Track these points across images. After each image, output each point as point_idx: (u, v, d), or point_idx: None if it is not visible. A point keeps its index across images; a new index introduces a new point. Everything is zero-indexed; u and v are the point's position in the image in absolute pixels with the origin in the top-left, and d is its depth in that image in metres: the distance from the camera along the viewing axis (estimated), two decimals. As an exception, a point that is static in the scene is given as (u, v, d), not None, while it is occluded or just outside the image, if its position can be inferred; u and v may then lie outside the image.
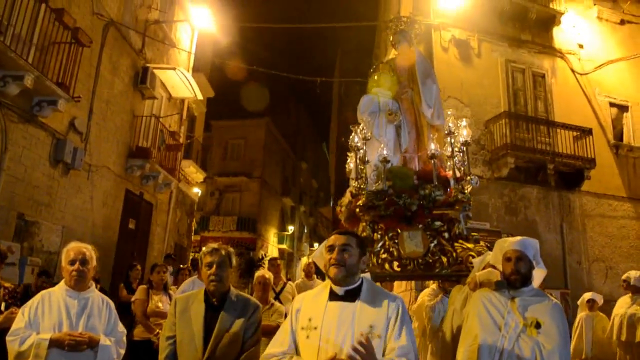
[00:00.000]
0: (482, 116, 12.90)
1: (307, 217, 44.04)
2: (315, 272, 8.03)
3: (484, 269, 4.03)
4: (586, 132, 13.03)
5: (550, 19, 14.20)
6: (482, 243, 5.00)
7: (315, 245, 41.85)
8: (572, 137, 12.92)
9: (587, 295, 8.11)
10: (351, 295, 2.49)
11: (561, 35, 14.53)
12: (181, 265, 10.58)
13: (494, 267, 3.68)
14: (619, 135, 14.41)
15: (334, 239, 2.57)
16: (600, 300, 8.04)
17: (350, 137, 5.38)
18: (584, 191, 13.21)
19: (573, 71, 14.29)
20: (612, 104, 14.54)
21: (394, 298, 2.53)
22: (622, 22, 15.39)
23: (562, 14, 14.24)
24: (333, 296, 2.51)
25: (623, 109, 14.71)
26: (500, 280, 3.23)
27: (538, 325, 2.86)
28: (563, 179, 12.89)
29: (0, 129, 7.83)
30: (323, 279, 2.84)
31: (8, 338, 3.07)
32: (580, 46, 14.63)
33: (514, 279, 3.06)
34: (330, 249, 2.54)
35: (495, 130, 12.68)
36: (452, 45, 13.25)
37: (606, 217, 13.36)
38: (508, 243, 3.22)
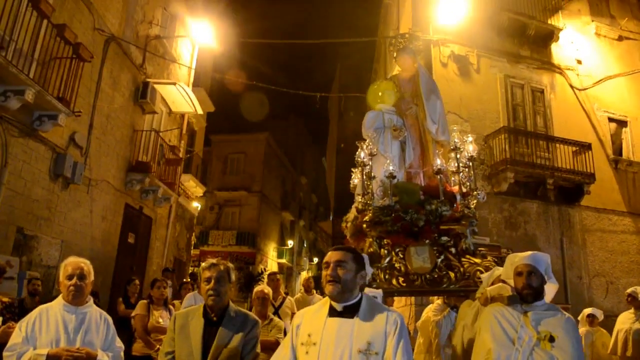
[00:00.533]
0: (481, 131, 12.93)
1: (307, 232, 43.95)
2: (314, 287, 8.01)
3: (493, 283, 4.02)
4: (585, 147, 13.07)
5: (549, 35, 14.29)
6: (489, 258, 5.01)
7: (315, 259, 41.73)
8: (571, 152, 12.95)
9: (587, 311, 8.06)
10: (350, 311, 2.49)
11: (560, 51, 14.63)
12: (184, 280, 10.54)
13: (504, 282, 3.67)
14: (618, 150, 14.45)
15: (329, 255, 2.58)
16: (600, 315, 7.99)
17: (357, 153, 5.41)
18: (583, 206, 13.21)
19: (572, 87, 14.36)
20: (610, 119, 14.60)
21: (392, 314, 2.52)
22: (620, 38, 15.52)
23: (561, 30, 14.35)
24: (332, 312, 2.52)
25: (622, 124, 14.77)
26: (513, 294, 3.21)
27: (552, 339, 2.84)
28: (563, 193, 12.89)
29: (1, 143, 7.84)
30: (323, 294, 2.84)
31: (5, 353, 3.05)
32: (579, 62, 14.73)
33: (527, 294, 3.04)
34: (326, 265, 2.54)
35: (495, 145, 12.71)
36: (451, 60, 13.34)
37: (606, 232, 13.34)
38: (519, 258, 3.21)
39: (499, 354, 2.89)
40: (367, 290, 3.31)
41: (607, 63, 15.06)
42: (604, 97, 14.62)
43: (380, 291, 3.32)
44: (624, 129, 14.77)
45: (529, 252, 3.26)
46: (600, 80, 14.62)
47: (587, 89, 14.46)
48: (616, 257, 13.20)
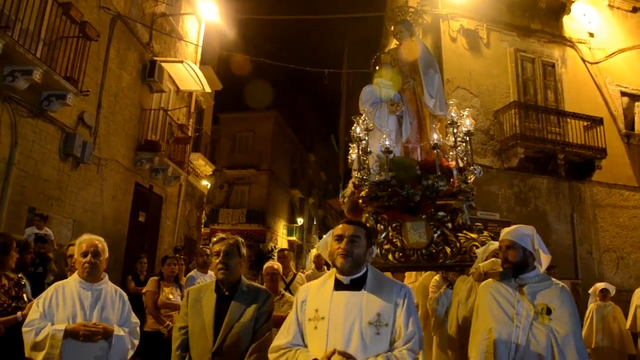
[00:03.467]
0: (491, 106, 12.82)
1: (316, 209, 44.06)
2: (325, 263, 8.02)
3: (486, 259, 4.01)
4: (597, 121, 12.92)
5: (560, 8, 14.03)
6: (486, 233, 4.98)
7: (325, 236, 41.86)
8: (582, 127, 12.81)
9: (600, 285, 8.05)
10: (357, 284, 2.49)
11: (571, 24, 14.37)
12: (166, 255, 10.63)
13: (497, 256, 3.67)
14: (630, 125, 14.25)
15: (342, 228, 2.56)
16: (613, 290, 7.99)
17: (352, 127, 5.36)
18: (594, 181, 13.11)
19: (583, 60, 14.14)
20: (623, 93, 14.38)
21: (401, 286, 2.54)
22: (634, 10, 15.18)
23: (573, 2, 14.06)
24: (338, 285, 2.51)
25: (634, 98, 14.53)
26: (504, 269, 3.20)
27: (549, 311, 2.84)
28: (573, 169, 12.78)
29: (10, 124, 7.88)
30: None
31: (24, 329, 3.11)
32: (591, 35, 14.46)
33: (505, 268, 3.08)
34: (339, 238, 2.52)
35: (505, 120, 12.60)
36: (460, 35, 13.15)
37: (617, 207, 13.26)
38: (502, 233, 3.21)
39: (500, 332, 2.89)
40: None
41: (620, 35, 14.78)
42: (617, 71, 14.38)
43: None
44: (636, 103, 14.54)
45: (513, 227, 3.25)
46: (613, 54, 14.38)
47: (599, 62, 14.23)
48: (627, 232, 13.14)
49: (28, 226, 8.10)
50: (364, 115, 5.43)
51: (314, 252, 8.08)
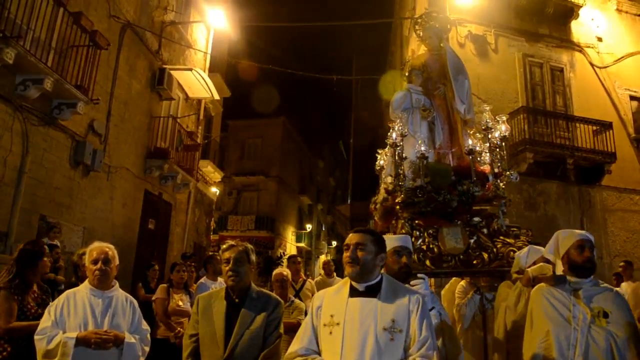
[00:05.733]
0: (499, 111, 12.61)
1: (325, 215, 44.04)
2: (335, 269, 8.03)
3: (534, 263, 3.99)
4: (606, 126, 12.86)
5: (568, 12, 14.00)
6: (522, 238, 4.98)
7: (334, 243, 41.86)
8: (591, 132, 12.75)
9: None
10: (372, 291, 2.53)
11: (579, 29, 14.33)
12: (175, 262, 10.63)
13: (547, 261, 3.64)
14: (639, 129, 14.17)
15: (349, 237, 2.63)
16: (625, 296, 7.93)
17: (388, 133, 5.38)
18: (604, 186, 13.03)
19: (592, 65, 14.09)
20: (632, 97, 14.29)
21: (414, 293, 2.58)
22: (642, 14, 15.12)
23: (580, 6, 14.04)
24: (354, 292, 2.55)
25: (644, 101, 14.45)
26: (557, 274, 3.18)
27: (606, 315, 2.82)
28: (583, 173, 12.71)
29: (21, 132, 7.96)
30: (343, 277, 2.87)
31: (36, 337, 3.12)
32: (599, 39, 14.41)
33: (589, 267, 3.01)
34: (346, 247, 2.60)
35: (514, 126, 12.54)
36: (468, 40, 13.16)
37: (627, 211, 13.16)
38: (577, 233, 3.16)
39: (558, 334, 2.86)
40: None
41: (628, 39, 14.72)
42: (625, 75, 14.31)
43: (424, 276, 3.33)
44: (645, 107, 14.47)
45: (582, 230, 3.24)
46: (622, 58, 14.32)
47: (607, 66, 14.18)
48: (638, 237, 13.04)
49: (39, 234, 8.16)
50: (398, 121, 5.45)
51: (322, 258, 8.08)
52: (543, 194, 12.52)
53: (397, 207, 5.06)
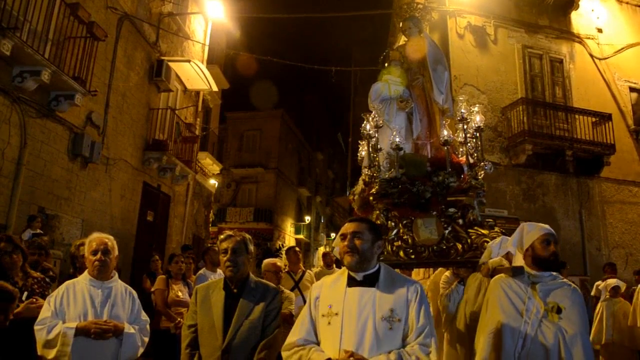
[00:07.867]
0: (498, 103, 12.78)
1: (324, 207, 44.06)
2: (335, 261, 8.03)
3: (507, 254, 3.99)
4: (605, 117, 12.85)
5: (568, 3, 13.95)
6: (497, 229, 4.96)
7: (332, 235, 41.91)
8: (591, 123, 12.74)
9: (612, 282, 8.05)
10: (370, 281, 2.53)
11: (579, 20, 14.28)
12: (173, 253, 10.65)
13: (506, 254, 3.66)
14: (639, 121, 14.14)
15: (345, 227, 2.62)
16: (623, 287, 7.99)
17: (362, 125, 5.36)
18: (603, 177, 13.04)
19: (592, 56, 14.05)
20: (632, 89, 14.27)
21: (413, 282, 2.57)
22: (643, 5, 15.07)
23: (581, -3, 14.00)
24: (352, 282, 2.55)
25: (643, 93, 14.44)
26: (517, 265, 3.18)
27: (559, 310, 2.84)
28: (582, 165, 12.72)
29: (19, 124, 7.93)
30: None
31: (36, 327, 3.13)
32: (599, 30, 14.36)
33: (553, 260, 3.01)
34: (343, 237, 2.58)
35: (513, 117, 12.55)
36: (467, 31, 13.11)
37: (626, 203, 13.18)
38: (540, 227, 3.14)
39: (508, 325, 2.90)
40: None
41: (628, 31, 14.67)
42: (625, 66, 14.28)
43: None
44: (645, 99, 14.46)
45: (544, 224, 3.23)
46: (622, 49, 14.27)
47: (607, 58, 14.14)
48: (636, 228, 13.07)
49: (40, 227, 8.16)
50: (373, 113, 5.43)
51: (321, 250, 8.10)
52: (542, 186, 12.53)
53: (371, 197, 5.04)
